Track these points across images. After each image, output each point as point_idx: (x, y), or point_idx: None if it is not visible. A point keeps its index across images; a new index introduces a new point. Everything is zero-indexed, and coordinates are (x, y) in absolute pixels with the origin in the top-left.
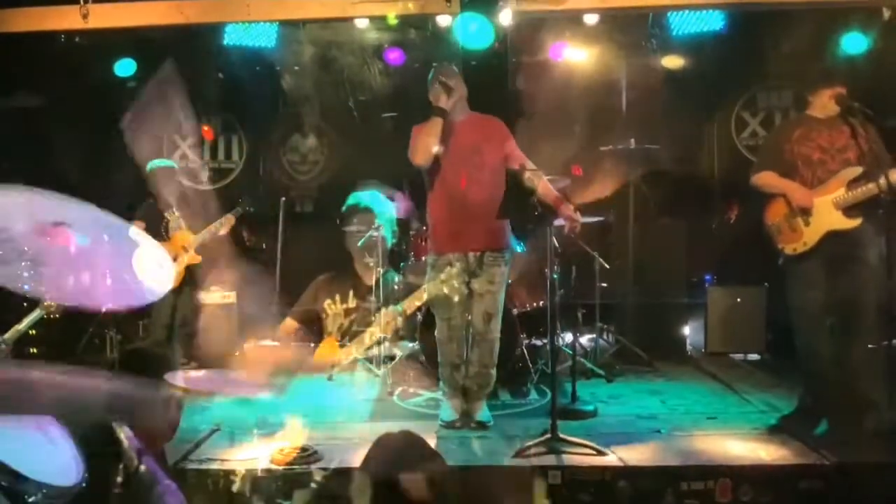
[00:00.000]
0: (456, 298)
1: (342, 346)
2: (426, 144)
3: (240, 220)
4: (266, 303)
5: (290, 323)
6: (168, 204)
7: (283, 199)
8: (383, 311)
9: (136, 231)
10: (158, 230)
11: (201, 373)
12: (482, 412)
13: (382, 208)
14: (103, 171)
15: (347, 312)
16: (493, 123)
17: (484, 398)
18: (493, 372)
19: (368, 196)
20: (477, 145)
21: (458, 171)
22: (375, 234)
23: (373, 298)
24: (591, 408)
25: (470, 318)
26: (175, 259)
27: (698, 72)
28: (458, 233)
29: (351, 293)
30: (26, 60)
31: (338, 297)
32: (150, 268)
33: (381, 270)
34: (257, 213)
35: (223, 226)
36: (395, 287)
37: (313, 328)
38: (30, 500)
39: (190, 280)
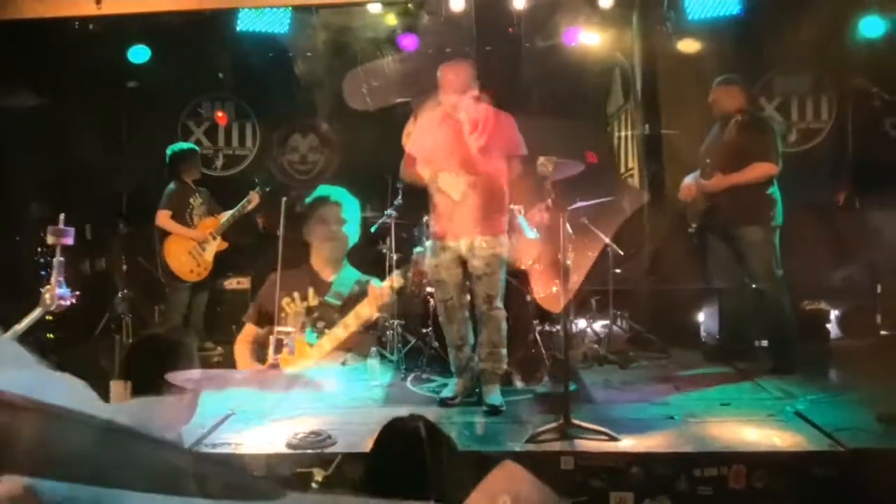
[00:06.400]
0: (451, 281)
1: (311, 345)
2: (414, 181)
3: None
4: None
5: (250, 328)
6: (192, 189)
7: (284, 198)
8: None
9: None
10: (184, 217)
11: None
12: (494, 396)
13: (350, 205)
14: (116, 159)
15: (309, 310)
16: (499, 118)
17: (497, 381)
18: (504, 352)
19: (338, 191)
20: (479, 139)
21: (458, 165)
22: (388, 220)
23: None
24: (573, 388)
25: (475, 300)
26: (204, 248)
27: (714, 56)
28: (454, 221)
29: (311, 290)
30: (40, 47)
31: (296, 295)
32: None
33: (395, 257)
34: (271, 199)
35: (249, 203)
36: (356, 285)
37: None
38: None
39: (217, 268)
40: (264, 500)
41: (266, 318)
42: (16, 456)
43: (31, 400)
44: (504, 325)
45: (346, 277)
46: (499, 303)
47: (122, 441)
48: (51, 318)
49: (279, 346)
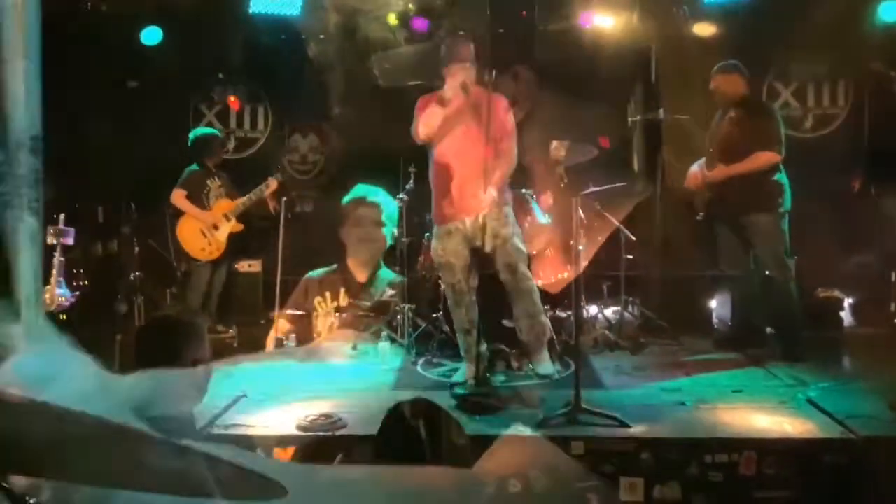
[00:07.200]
0: (459, 264)
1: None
2: (427, 129)
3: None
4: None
5: (281, 324)
6: (212, 171)
7: (285, 198)
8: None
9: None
10: (200, 198)
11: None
12: (545, 365)
13: (389, 206)
14: (127, 140)
15: (338, 310)
16: (494, 99)
17: (545, 349)
18: (544, 318)
19: (375, 191)
20: (475, 120)
21: (454, 144)
22: (400, 204)
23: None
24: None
25: (500, 276)
26: (217, 228)
27: (730, 40)
28: (454, 202)
29: (342, 291)
30: (51, 27)
31: (328, 295)
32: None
33: (406, 241)
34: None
35: (267, 188)
36: (389, 287)
37: (305, 328)
38: (31, 500)
39: (231, 249)
40: (269, 500)
41: (299, 318)
42: (17, 456)
43: (33, 401)
44: (536, 292)
45: (379, 279)
46: (524, 271)
47: (121, 441)
48: (63, 300)
49: (279, 347)
